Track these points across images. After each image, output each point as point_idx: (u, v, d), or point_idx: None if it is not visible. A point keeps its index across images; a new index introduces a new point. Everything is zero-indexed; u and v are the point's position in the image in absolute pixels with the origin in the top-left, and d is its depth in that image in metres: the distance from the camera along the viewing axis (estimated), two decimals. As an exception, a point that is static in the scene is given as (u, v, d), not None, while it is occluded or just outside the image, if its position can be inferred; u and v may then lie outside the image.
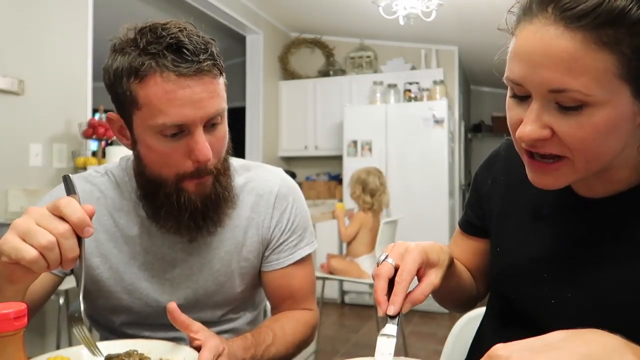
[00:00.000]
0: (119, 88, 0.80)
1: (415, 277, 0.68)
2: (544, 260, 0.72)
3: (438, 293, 0.84)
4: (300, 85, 5.26)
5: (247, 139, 4.88)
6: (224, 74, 0.85)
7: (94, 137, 2.65)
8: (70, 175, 0.70)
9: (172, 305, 0.72)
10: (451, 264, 0.76)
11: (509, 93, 0.64)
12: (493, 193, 0.84)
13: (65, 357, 0.69)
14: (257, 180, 0.99)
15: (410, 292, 0.66)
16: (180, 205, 0.84)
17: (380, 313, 0.64)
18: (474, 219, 0.88)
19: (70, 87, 2.63)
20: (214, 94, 0.80)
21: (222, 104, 0.83)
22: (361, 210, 3.21)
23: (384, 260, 0.67)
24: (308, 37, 5.39)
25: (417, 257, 0.66)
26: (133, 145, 0.86)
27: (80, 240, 0.64)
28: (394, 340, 0.63)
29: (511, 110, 0.63)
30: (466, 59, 5.21)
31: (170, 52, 0.76)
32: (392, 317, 0.64)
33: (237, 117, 6.12)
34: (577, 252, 0.70)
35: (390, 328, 0.64)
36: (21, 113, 2.40)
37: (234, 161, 1.01)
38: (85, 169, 2.47)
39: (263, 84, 4.89)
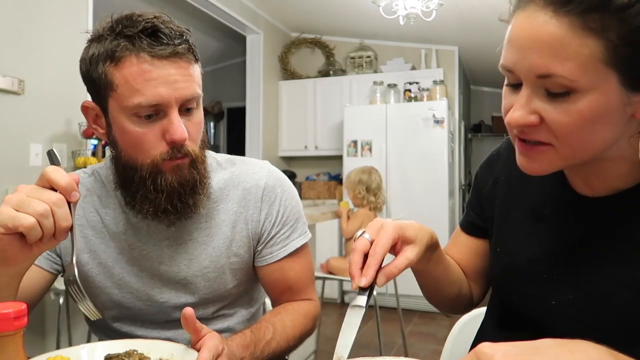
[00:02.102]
0: (95, 73, 0.82)
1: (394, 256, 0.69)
2: (544, 261, 0.72)
3: (424, 283, 0.83)
4: (300, 85, 5.26)
5: (247, 139, 4.88)
6: (199, 63, 0.87)
7: (94, 136, 2.65)
8: (54, 149, 0.73)
9: (190, 312, 0.70)
10: (436, 247, 0.76)
11: (505, 82, 0.64)
12: (494, 194, 0.83)
13: (65, 357, 0.69)
14: (243, 174, 0.98)
15: (385, 265, 0.67)
16: (157, 187, 0.84)
17: (353, 286, 0.65)
18: (476, 219, 0.88)
19: (70, 87, 2.63)
20: (189, 78, 0.82)
21: (198, 90, 0.84)
22: (365, 209, 3.22)
23: (360, 235, 0.69)
24: (308, 37, 5.39)
25: (392, 232, 0.67)
26: (108, 132, 0.86)
27: (70, 208, 0.68)
28: (362, 311, 0.65)
29: (505, 98, 0.64)
30: (466, 59, 5.21)
31: (145, 36, 0.78)
32: (364, 289, 0.65)
33: (237, 117, 6.14)
34: (577, 252, 0.69)
35: (361, 299, 0.65)
36: (21, 113, 2.40)
37: (219, 156, 1.01)
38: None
39: (263, 84, 4.88)
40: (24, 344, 0.53)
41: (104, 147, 2.70)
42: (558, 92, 0.57)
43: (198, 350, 0.70)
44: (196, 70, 0.85)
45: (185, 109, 0.83)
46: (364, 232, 0.69)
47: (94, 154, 2.73)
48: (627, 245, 0.65)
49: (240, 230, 0.96)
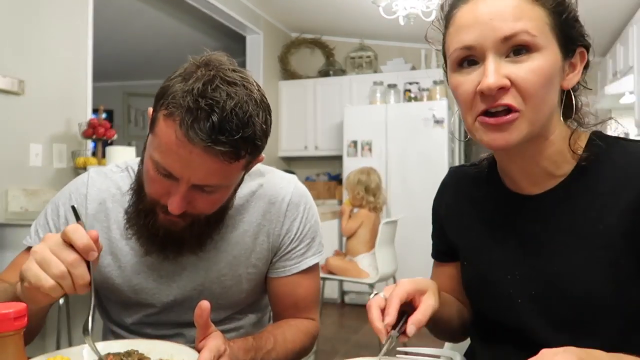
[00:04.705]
0: (156, 101, 0.79)
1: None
2: (504, 264, 0.76)
3: (440, 327, 0.85)
4: (300, 85, 5.26)
5: (247, 139, 4.88)
6: (248, 157, 0.79)
7: (94, 137, 2.65)
8: (75, 205, 0.74)
9: (206, 305, 0.71)
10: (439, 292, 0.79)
11: (452, 71, 0.71)
12: (449, 215, 0.88)
13: (65, 357, 0.69)
14: (270, 187, 0.99)
15: (411, 316, 0.69)
16: (145, 223, 0.86)
17: (382, 339, 0.67)
18: (442, 245, 0.91)
19: (70, 87, 2.63)
20: (211, 172, 0.77)
21: (219, 182, 0.80)
22: (365, 209, 3.23)
23: (375, 295, 0.72)
24: (308, 37, 5.39)
25: (407, 285, 0.71)
26: (144, 144, 0.86)
27: (89, 263, 0.69)
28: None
29: (463, 85, 0.69)
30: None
31: (200, 114, 0.72)
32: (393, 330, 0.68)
33: (237, 117, 6.14)
34: (531, 249, 0.74)
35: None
36: (21, 113, 2.40)
37: None
38: (85, 169, 2.47)
39: (263, 84, 4.86)
40: (23, 344, 0.53)
41: (103, 147, 2.70)
42: (519, 53, 0.65)
43: (199, 351, 0.71)
44: (234, 167, 0.78)
45: (201, 188, 0.80)
46: (377, 293, 0.72)
47: (94, 154, 2.72)
48: (572, 235, 0.70)
49: (261, 243, 0.97)
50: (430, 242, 0.94)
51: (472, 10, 0.67)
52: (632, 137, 3.54)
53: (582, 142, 0.73)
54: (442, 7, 0.74)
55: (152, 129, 0.80)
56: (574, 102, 0.72)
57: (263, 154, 0.86)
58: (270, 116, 0.83)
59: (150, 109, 0.82)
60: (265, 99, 0.82)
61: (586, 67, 0.73)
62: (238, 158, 0.76)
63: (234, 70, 0.78)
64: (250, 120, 0.76)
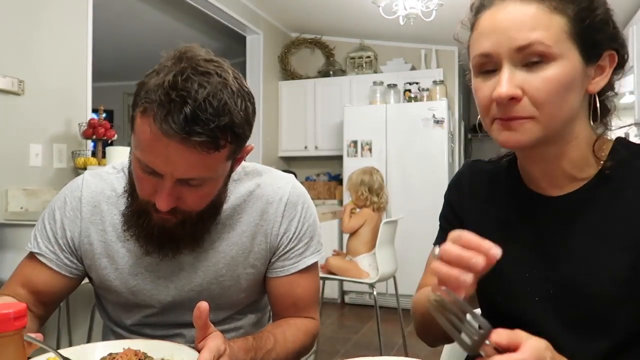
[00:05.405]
0: (133, 99, 0.79)
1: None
2: (524, 262, 0.76)
3: (430, 326, 0.81)
4: (300, 85, 5.26)
5: (247, 139, 4.88)
6: (230, 147, 0.78)
7: (94, 137, 2.64)
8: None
9: (204, 306, 0.71)
10: None
11: (474, 75, 0.73)
12: (464, 205, 0.88)
13: (66, 357, 0.69)
14: (267, 186, 0.99)
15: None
16: (140, 223, 0.86)
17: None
18: (451, 228, 0.88)
19: (70, 87, 2.62)
20: (192, 164, 0.76)
21: (202, 174, 0.78)
22: (369, 209, 3.23)
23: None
24: (308, 37, 5.39)
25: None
26: (131, 146, 0.86)
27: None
28: None
29: (481, 91, 0.70)
30: (466, 59, 5.20)
31: (172, 106, 0.72)
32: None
33: (237, 117, 6.15)
34: (551, 249, 0.74)
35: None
36: (21, 113, 2.39)
37: (246, 165, 1.00)
38: (85, 169, 2.47)
39: (263, 84, 4.88)
40: (24, 344, 0.53)
41: (103, 147, 2.69)
42: (535, 62, 0.66)
43: (199, 351, 0.70)
44: (214, 158, 0.76)
45: (186, 182, 0.79)
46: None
47: (94, 154, 2.72)
48: (593, 237, 0.70)
49: (259, 243, 0.97)
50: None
51: (492, 17, 0.69)
52: (632, 137, 3.53)
53: (607, 148, 0.73)
54: (471, 7, 0.77)
55: (132, 127, 0.79)
56: (597, 106, 0.72)
57: (252, 144, 0.85)
58: (252, 104, 0.80)
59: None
60: (245, 87, 0.80)
61: (617, 69, 0.72)
62: (217, 148, 0.75)
63: (208, 60, 0.77)
64: (226, 108, 0.74)
